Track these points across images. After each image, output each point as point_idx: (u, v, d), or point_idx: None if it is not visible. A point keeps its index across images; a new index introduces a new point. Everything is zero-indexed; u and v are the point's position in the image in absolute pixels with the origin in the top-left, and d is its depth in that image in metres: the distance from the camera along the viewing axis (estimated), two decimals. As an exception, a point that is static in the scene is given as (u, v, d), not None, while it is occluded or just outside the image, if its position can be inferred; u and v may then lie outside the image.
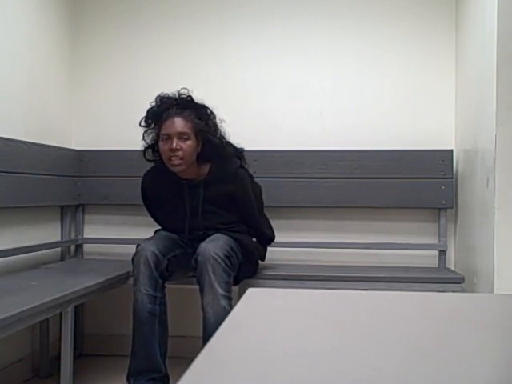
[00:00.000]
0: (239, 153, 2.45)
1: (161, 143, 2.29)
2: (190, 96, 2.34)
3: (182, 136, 2.26)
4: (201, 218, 2.34)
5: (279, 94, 2.93)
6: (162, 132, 2.28)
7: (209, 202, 2.34)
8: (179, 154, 2.25)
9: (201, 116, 2.32)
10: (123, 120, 2.97)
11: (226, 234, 2.27)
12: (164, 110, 2.29)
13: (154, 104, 2.34)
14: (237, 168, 2.38)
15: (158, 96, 2.35)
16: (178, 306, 2.70)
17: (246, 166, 2.45)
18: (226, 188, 2.34)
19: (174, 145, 2.24)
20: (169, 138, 2.26)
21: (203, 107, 2.35)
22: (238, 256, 2.25)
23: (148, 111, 2.34)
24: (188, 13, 2.98)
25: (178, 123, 2.26)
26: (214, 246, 2.14)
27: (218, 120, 2.38)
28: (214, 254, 2.10)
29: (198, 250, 2.16)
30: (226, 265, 2.12)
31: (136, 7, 3.02)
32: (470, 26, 2.59)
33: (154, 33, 3.01)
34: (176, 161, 2.26)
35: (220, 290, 2.09)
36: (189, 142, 2.27)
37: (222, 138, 2.38)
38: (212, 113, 2.37)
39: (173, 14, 2.99)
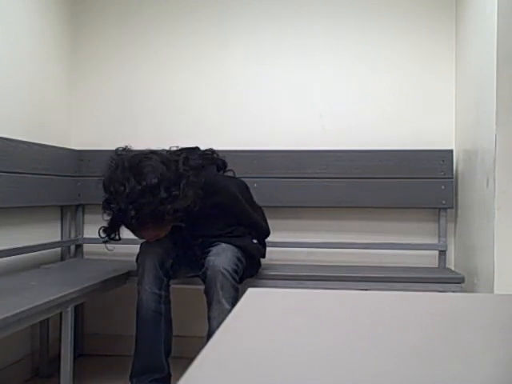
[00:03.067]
0: (210, 160, 2.36)
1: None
2: (156, 183, 2.02)
3: (159, 235, 2.19)
4: (200, 228, 2.30)
5: (279, 94, 2.93)
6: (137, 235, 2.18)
7: (203, 216, 2.24)
8: (160, 236, 2.20)
9: (161, 198, 2.03)
10: (123, 120, 2.97)
11: (230, 243, 2.22)
12: (119, 219, 2.09)
13: (109, 188, 2.07)
14: (213, 177, 2.30)
15: (105, 186, 2.09)
16: (180, 306, 2.69)
17: (226, 168, 2.40)
18: (212, 200, 2.24)
19: (152, 239, 2.19)
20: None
21: (180, 176, 2.10)
22: (243, 264, 2.24)
23: (109, 201, 2.08)
24: (188, 13, 2.98)
25: (148, 235, 2.17)
26: (223, 261, 2.11)
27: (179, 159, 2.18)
28: (223, 270, 2.09)
29: (207, 264, 2.12)
30: (234, 279, 2.12)
31: (136, 8, 3.02)
32: (469, 26, 2.59)
33: (153, 33, 3.01)
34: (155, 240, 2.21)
35: (227, 306, 2.09)
36: (167, 228, 2.18)
37: (183, 174, 2.12)
38: (169, 168, 2.09)
39: (172, 14, 2.99)
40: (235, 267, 2.14)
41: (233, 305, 2.11)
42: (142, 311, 2.15)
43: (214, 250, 2.18)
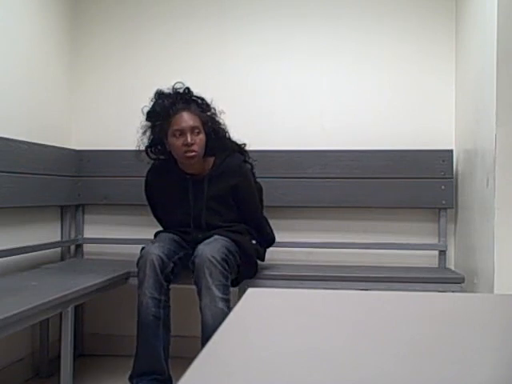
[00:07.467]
0: (241, 148, 2.47)
1: (173, 139, 2.30)
2: (187, 88, 2.36)
3: (194, 130, 2.29)
4: (204, 214, 2.35)
5: (279, 94, 2.93)
6: (174, 128, 2.28)
7: (212, 198, 2.35)
8: (194, 147, 2.28)
9: (203, 109, 2.36)
10: (123, 120, 2.97)
11: (225, 236, 2.27)
12: (170, 105, 2.30)
13: (154, 100, 2.35)
14: (240, 162, 2.41)
15: (157, 93, 2.36)
16: (178, 306, 2.69)
17: (250, 161, 2.48)
18: (230, 181, 2.36)
19: (190, 139, 2.27)
20: (182, 133, 2.28)
21: (202, 100, 2.38)
22: (236, 258, 2.24)
23: (154, 106, 2.34)
24: (188, 13, 2.98)
25: (189, 118, 2.29)
26: (211, 249, 2.13)
27: (217, 112, 2.41)
28: (210, 257, 2.10)
29: (195, 253, 2.16)
30: (223, 267, 2.12)
31: (136, 7, 3.02)
32: (469, 26, 2.59)
33: (153, 33, 3.00)
34: (191, 154, 2.29)
35: (217, 293, 2.08)
36: (201, 136, 2.31)
37: (223, 129, 2.42)
38: (210, 105, 2.40)
39: (173, 14, 2.99)
40: (224, 256, 2.14)
41: (223, 293, 2.11)
42: (142, 315, 2.15)
43: (206, 241, 2.22)
